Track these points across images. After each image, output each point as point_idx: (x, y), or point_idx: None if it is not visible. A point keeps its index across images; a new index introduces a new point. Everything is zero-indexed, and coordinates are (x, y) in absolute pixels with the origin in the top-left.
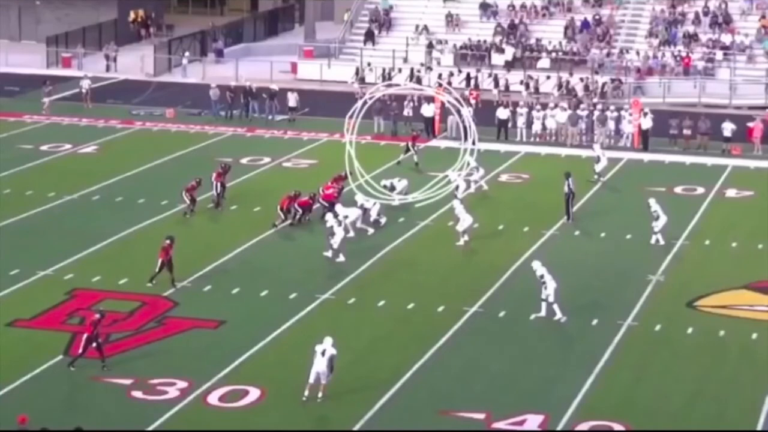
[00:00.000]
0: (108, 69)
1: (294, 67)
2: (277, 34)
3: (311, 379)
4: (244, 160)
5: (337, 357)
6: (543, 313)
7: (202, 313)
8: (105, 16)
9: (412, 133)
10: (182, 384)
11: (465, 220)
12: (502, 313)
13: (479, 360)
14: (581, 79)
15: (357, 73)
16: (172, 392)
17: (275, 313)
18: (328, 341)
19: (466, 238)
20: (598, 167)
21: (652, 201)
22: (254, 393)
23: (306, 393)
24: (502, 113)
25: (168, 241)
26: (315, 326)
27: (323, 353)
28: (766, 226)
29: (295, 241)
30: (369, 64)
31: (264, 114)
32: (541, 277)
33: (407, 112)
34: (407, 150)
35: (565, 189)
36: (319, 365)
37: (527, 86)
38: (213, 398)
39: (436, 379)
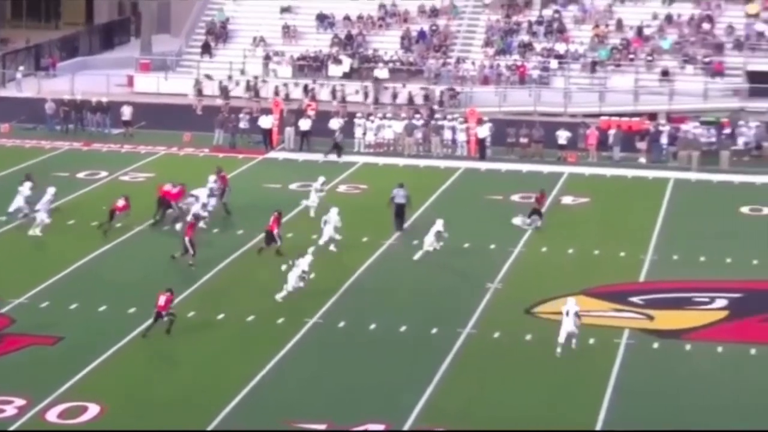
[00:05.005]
0: None
1: (130, 81)
2: (113, 48)
3: (561, 339)
4: (80, 174)
5: (580, 313)
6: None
7: (40, 329)
8: None
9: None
10: (20, 402)
11: (325, 233)
12: (342, 324)
13: (320, 371)
14: (423, 89)
15: (195, 84)
16: (10, 410)
17: (115, 328)
18: (571, 301)
19: (332, 247)
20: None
21: (439, 222)
22: (93, 409)
23: (558, 350)
24: (334, 123)
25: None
26: (155, 341)
27: (567, 313)
28: (601, 232)
29: (137, 251)
30: (209, 77)
31: (99, 128)
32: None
33: (243, 124)
34: None
35: (397, 200)
36: (568, 325)
37: (366, 96)
38: (51, 415)
39: (277, 392)
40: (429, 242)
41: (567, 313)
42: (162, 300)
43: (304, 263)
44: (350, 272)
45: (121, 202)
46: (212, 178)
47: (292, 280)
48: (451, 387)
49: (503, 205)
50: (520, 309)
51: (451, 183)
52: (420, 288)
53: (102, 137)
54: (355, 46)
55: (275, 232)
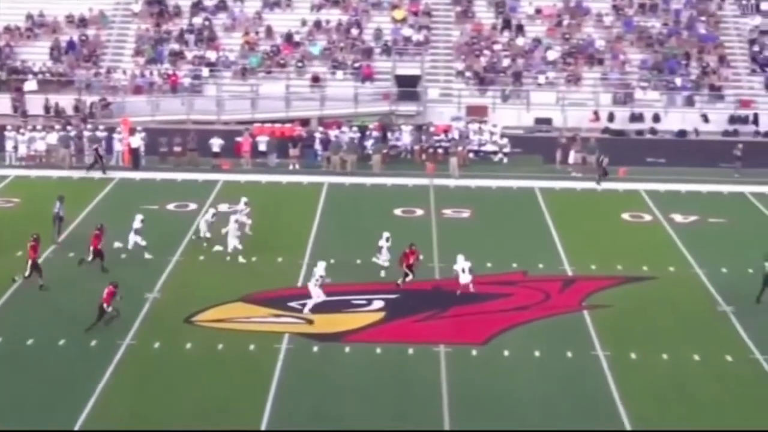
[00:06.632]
0: None
1: None
2: None
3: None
4: None
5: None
6: None
7: None
8: None
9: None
10: None
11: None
12: None
13: None
14: (75, 100)
15: None
16: None
17: None
18: (460, 258)
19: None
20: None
21: (384, 234)
22: None
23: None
24: None
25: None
26: None
27: (464, 270)
28: (259, 239)
29: None
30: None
31: None
32: None
33: None
34: None
35: (54, 211)
36: (465, 280)
37: (16, 109)
38: None
39: None
40: (383, 258)
41: (463, 270)
42: (105, 292)
43: (319, 269)
44: (5, 287)
45: None
46: None
47: (315, 292)
48: (113, 399)
49: (159, 215)
50: (180, 318)
51: (105, 193)
52: (74, 300)
53: None
54: (3, 57)
55: (97, 248)
